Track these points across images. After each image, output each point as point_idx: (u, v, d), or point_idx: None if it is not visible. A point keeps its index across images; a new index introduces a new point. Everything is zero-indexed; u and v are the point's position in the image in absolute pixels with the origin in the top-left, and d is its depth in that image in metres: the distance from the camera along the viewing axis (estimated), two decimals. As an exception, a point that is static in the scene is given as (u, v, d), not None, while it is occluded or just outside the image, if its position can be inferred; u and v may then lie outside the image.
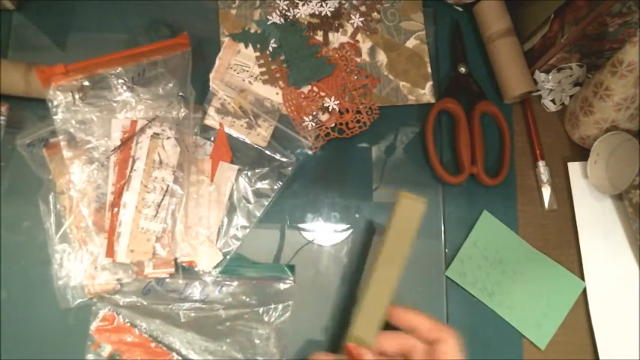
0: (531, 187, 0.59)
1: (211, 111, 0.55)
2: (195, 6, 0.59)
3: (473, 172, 0.57)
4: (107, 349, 0.49)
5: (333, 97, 0.57)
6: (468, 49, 0.62)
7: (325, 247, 0.55)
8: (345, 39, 0.60)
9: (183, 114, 0.52)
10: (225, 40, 0.58)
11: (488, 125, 0.59)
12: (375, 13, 0.61)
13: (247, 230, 0.53)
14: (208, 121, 0.55)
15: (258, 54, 0.58)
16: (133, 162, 0.50)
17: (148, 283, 0.51)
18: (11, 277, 0.50)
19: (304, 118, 0.56)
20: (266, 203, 0.54)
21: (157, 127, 0.51)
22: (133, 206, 0.49)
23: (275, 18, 0.59)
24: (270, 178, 0.54)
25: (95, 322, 0.49)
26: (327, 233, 0.55)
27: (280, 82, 0.57)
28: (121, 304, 0.50)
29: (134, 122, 0.51)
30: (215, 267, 0.52)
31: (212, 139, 0.55)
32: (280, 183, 0.54)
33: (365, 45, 0.60)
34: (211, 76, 0.56)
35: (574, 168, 0.60)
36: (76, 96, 0.50)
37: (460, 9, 0.63)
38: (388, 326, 0.42)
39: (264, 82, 0.57)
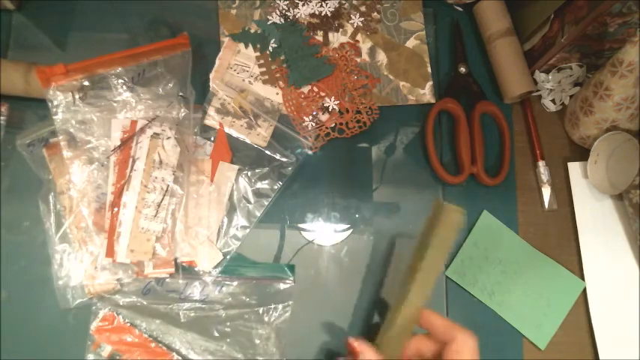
0: (531, 187, 0.59)
1: (211, 111, 0.55)
2: (195, 6, 0.59)
3: (473, 172, 0.57)
4: (107, 349, 0.49)
5: (333, 97, 0.57)
6: (468, 49, 0.62)
7: (325, 247, 0.55)
8: (345, 39, 0.60)
9: (183, 114, 0.52)
10: (225, 40, 0.58)
11: (488, 125, 0.59)
12: (375, 13, 0.61)
13: (247, 230, 0.53)
14: (208, 121, 0.55)
15: (258, 54, 0.58)
16: (133, 162, 0.50)
17: (148, 283, 0.51)
18: (11, 277, 0.50)
19: (304, 118, 0.56)
20: (266, 203, 0.54)
21: (157, 127, 0.51)
22: (133, 206, 0.49)
23: (275, 18, 0.59)
24: (270, 178, 0.54)
25: (95, 322, 0.49)
26: (327, 233, 0.55)
27: (280, 82, 0.57)
28: (121, 304, 0.50)
29: (134, 122, 0.51)
30: (215, 267, 0.52)
31: (212, 139, 0.55)
32: (280, 183, 0.54)
33: (365, 45, 0.60)
34: (211, 76, 0.56)
35: (574, 168, 0.60)
36: (76, 96, 0.50)
37: (460, 9, 0.63)
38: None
39: (264, 82, 0.57)
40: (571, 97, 0.62)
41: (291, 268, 0.53)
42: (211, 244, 0.52)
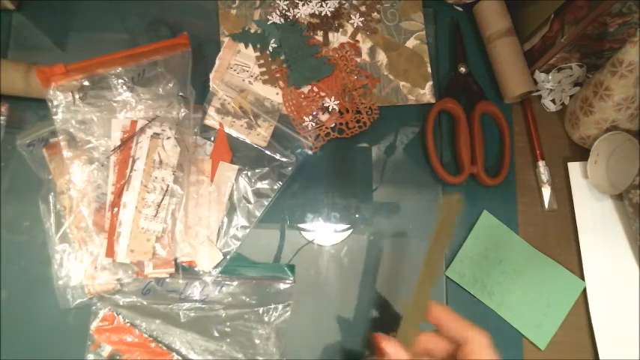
0: (531, 187, 0.59)
1: (211, 111, 0.55)
2: (195, 6, 0.59)
3: (473, 172, 0.57)
4: (107, 349, 0.49)
5: (333, 97, 0.57)
6: (468, 49, 0.62)
7: (325, 247, 0.55)
8: (345, 39, 0.60)
9: (183, 114, 0.52)
10: (225, 40, 0.58)
11: (488, 125, 0.59)
12: (375, 13, 0.61)
13: (247, 230, 0.53)
14: (208, 121, 0.55)
15: (258, 54, 0.58)
16: (133, 162, 0.50)
17: (147, 283, 0.51)
18: (11, 277, 0.50)
19: (304, 118, 0.56)
20: (266, 203, 0.54)
21: (157, 127, 0.51)
22: (133, 206, 0.49)
23: (275, 18, 0.59)
24: (270, 178, 0.54)
25: (95, 322, 0.49)
26: (327, 233, 0.55)
27: (280, 82, 0.57)
28: (121, 304, 0.50)
29: (134, 122, 0.51)
30: (215, 267, 0.52)
31: (212, 139, 0.55)
32: (280, 183, 0.54)
33: (365, 45, 0.60)
34: (211, 76, 0.56)
35: (574, 168, 0.60)
36: (76, 96, 0.50)
37: (460, 9, 0.63)
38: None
39: (264, 82, 0.57)
40: (571, 97, 0.62)
41: (291, 268, 0.53)
42: (211, 244, 0.52)
